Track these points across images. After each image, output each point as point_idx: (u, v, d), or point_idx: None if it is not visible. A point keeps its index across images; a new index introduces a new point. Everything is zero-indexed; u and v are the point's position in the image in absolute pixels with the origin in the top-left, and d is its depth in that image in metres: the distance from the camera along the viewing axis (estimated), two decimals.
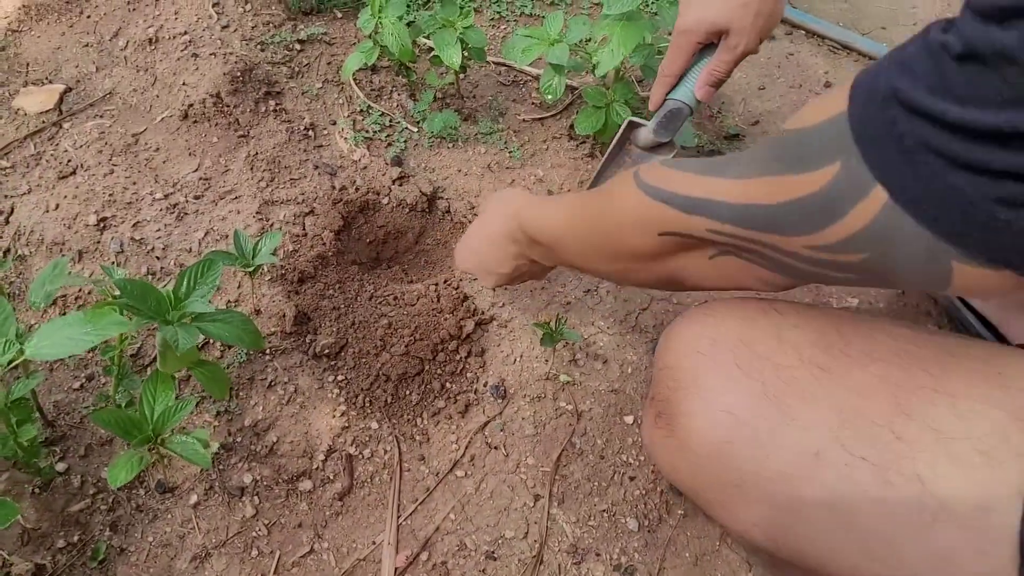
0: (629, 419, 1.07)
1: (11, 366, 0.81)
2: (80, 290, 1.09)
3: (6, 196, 1.19)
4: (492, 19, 1.51)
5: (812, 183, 0.53)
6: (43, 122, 1.27)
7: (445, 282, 1.15)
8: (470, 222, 1.24)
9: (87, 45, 1.37)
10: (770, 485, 0.65)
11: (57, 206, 1.17)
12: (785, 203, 0.56)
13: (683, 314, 0.78)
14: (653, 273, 0.72)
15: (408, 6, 1.46)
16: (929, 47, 0.48)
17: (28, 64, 1.35)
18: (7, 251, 1.14)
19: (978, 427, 0.57)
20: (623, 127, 1.10)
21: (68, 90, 1.31)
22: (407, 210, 1.24)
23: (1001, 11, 0.43)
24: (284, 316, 1.09)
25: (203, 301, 0.87)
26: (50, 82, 1.32)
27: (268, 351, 1.07)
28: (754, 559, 0.95)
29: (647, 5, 1.39)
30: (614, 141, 1.10)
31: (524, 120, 1.36)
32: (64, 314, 1.09)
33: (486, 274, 0.97)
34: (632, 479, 1.02)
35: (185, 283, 0.88)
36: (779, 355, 0.67)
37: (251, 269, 1.00)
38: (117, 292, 0.86)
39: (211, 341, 1.07)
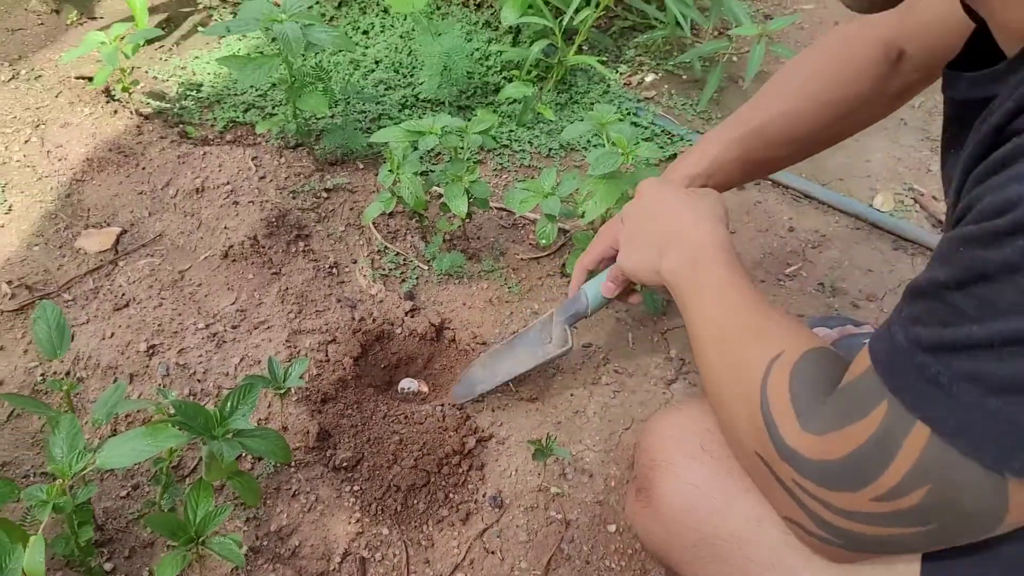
0: (612, 528, 1.20)
1: (80, 474, 0.96)
2: (131, 412, 1.24)
3: (71, 323, 1.36)
4: (495, 169, 1.72)
5: (867, 428, 0.60)
6: (101, 260, 1.46)
7: (450, 403, 1.30)
8: (473, 350, 1.41)
9: (141, 193, 1.57)
10: (725, 545, 0.78)
11: (112, 334, 1.34)
12: (849, 454, 0.61)
13: (661, 409, 0.92)
14: None
15: (420, 158, 1.66)
16: (924, 295, 0.56)
17: (89, 209, 1.55)
18: (68, 373, 1.30)
19: None
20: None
21: (124, 232, 1.51)
22: (418, 339, 1.40)
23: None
24: (308, 432, 1.23)
25: (244, 419, 1.02)
26: (108, 225, 1.51)
27: (293, 464, 1.21)
28: None
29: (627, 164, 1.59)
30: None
31: (522, 259, 1.54)
32: (114, 430, 1.24)
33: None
34: None
35: (229, 404, 1.03)
36: None
37: (282, 391, 1.16)
38: (172, 411, 1.01)
39: (244, 454, 1.21)
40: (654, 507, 0.84)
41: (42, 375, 1.31)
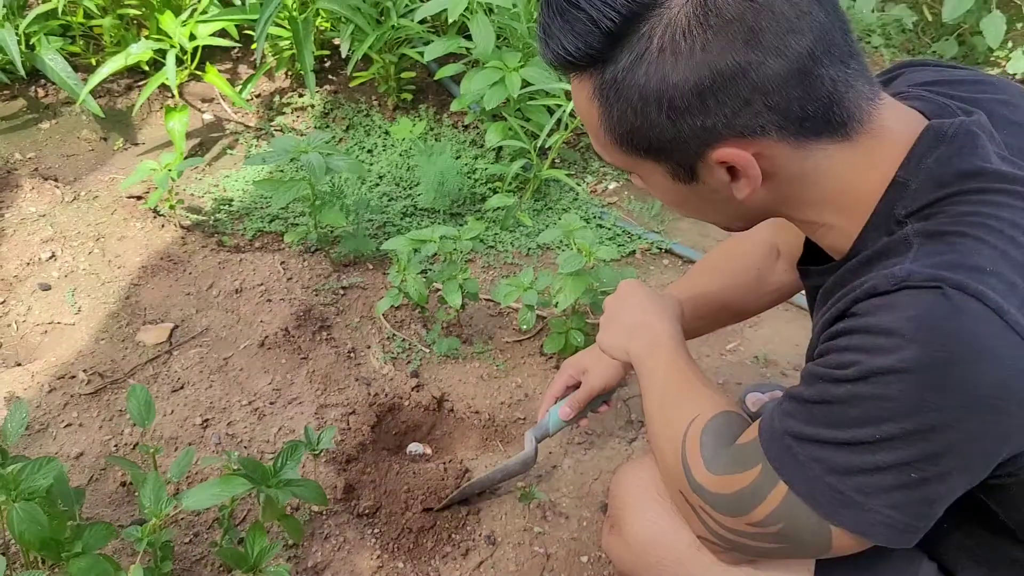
0: (584, 559, 1.48)
1: (168, 516, 1.25)
2: (192, 471, 1.53)
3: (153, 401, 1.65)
4: (483, 267, 2.04)
5: (749, 477, 0.87)
6: (158, 351, 1.76)
7: (450, 461, 1.59)
8: (468, 418, 1.70)
9: (189, 294, 1.88)
10: (674, 567, 1.06)
11: (172, 412, 1.63)
12: (736, 492, 0.89)
13: (626, 463, 1.21)
14: None
15: (421, 261, 1.99)
16: (795, 400, 0.84)
17: (146, 308, 1.86)
18: (135, 445, 1.59)
19: None
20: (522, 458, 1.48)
21: (176, 327, 1.81)
22: (422, 409, 1.70)
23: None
24: (336, 487, 1.52)
25: (293, 472, 1.31)
26: (162, 321, 1.82)
27: (324, 512, 1.50)
28: None
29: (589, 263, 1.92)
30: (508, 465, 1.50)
31: (507, 342, 1.86)
32: (178, 489, 1.52)
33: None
34: None
35: (280, 460, 1.32)
36: None
37: (316, 452, 1.45)
38: (236, 467, 1.30)
39: (287, 502, 1.50)
40: (624, 539, 1.13)
41: (115, 446, 1.60)
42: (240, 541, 1.38)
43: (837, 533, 0.84)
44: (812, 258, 0.98)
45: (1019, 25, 2.57)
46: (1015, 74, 2.56)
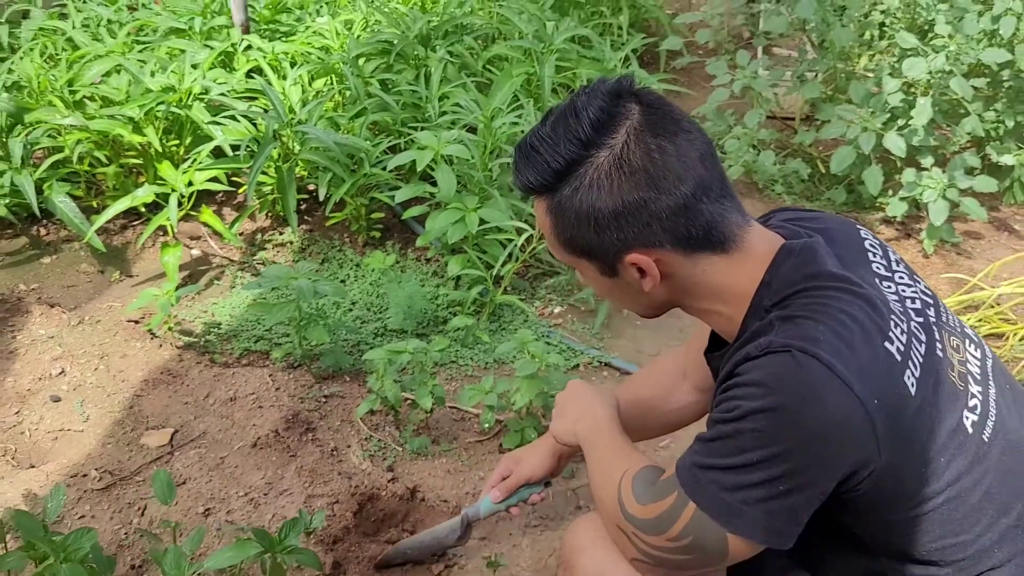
0: None
1: None
2: (200, 550, 1.73)
3: (141, 499, 1.86)
4: (447, 378, 2.33)
5: (668, 503, 1.12)
6: (161, 452, 1.98)
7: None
8: (437, 506, 1.94)
9: (187, 403, 2.12)
10: None
11: (176, 503, 1.84)
12: (657, 516, 1.14)
13: (579, 517, 1.46)
14: None
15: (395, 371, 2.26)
16: (701, 441, 1.12)
17: (148, 416, 2.09)
18: (142, 535, 1.79)
19: None
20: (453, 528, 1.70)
21: (176, 431, 2.04)
22: (398, 499, 1.94)
23: None
24: (325, 563, 1.74)
25: (294, 541, 1.54)
26: (164, 427, 2.05)
27: None
28: None
29: (542, 368, 2.22)
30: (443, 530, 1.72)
31: (470, 442, 2.12)
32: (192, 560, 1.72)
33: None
34: None
35: (283, 531, 1.55)
36: None
37: (309, 531, 1.68)
38: (249, 535, 1.53)
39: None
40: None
41: (125, 534, 1.80)
42: None
43: (732, 539, 1.11)
44: (714, 348, 1.30)
45: (896, 176, 3.04)
46: (895, 216, 3.02)
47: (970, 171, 2.92)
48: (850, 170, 3.03)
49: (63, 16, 3.28)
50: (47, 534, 1.48)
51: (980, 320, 2.58)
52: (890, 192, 3.04)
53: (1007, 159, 3.01)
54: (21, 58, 2.89)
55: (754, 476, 1.07)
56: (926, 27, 2.92)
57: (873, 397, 1.05)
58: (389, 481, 1.97)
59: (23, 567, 1.49)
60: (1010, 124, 2.96)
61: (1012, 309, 2.64)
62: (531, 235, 2.45)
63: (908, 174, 2.93)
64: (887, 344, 1.09)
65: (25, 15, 3.39)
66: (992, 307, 2.60)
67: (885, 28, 3.01)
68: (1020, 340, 2.51)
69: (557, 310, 2.64)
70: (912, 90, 2.89)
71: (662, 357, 1.65)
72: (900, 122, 2.90)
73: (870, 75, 3.05)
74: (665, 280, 1.16)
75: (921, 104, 2.75)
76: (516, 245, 2.44)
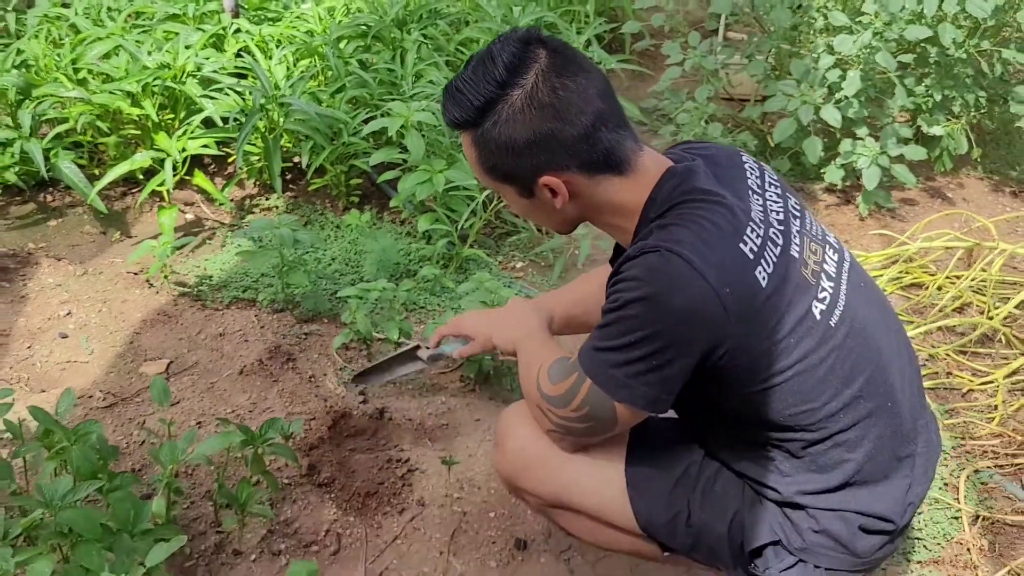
0: (492, 514, 1.96)
1: (183, 462, 1.71)
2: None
3: (141, 415, 2.11)
4: (416, 321, 2.58)
5: (570, 381, 1.37)
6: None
7: (390, 451, 2.07)
8: (403, 424, 2.19)
9: (181, 339, 2.38)
10: (539, 464, 1.54)
11: (171, 419, 2.09)
12: (563, 392, 1.42)
13: (509, 406, 1.71)
14: None
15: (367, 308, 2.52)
16: (596, 328, 1.40)
17: (146, 350, 2.34)
18: (143, 443, 2.04)
19: None
20: (410, 346, 2.07)
21: (171, 362, 2.30)
22: (368, 418, 2.19)
23: None
24: (302, 466, 1.99)
25: (274, 436, 1.79)
26: (160, 358, 2.31)
27: (292, 482, 1.95)
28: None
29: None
30: (399, 351, 2.09)
31: (434, 373, 2.38)
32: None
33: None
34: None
35: (263, 429, 1.80)
36: None
37: (288, 436, 1.92)
38: (234, 429, 1.77)
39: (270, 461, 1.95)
40: (504, 453, 1.62)
41: (126, 444, 2.05)
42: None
43: (619, 408, 1.37)
44: (616, 258, 1.56)
45: (837, 148, 3.30)
46: (835, 183, 3.28)
47: (903, 141, 3.19)
48: (793, 142, 3.29)
49: (66, 5, 3.53)
50: (58, 426, 1.73)
51: (903, 272, 2.84)
52: (831, 163, 3.30)
53: (936, 130, 3.27)
54: (28, 40, 3.14)
55: (633, 353, 1.32)
56: (860, 6, 3.18)
57: (725, 286, 1.29)
58: (361, 403, 2.22)
59: (39, 454, 1.74)
60: (938, 97, 3.22)
61: (932, 263, 2.90)
62: (492, 193, 2.71)
63: (845, 144, 3.19)
64: (741, 245, 1.33)
65: (30, 4, 3.64)
66: (912, 260, 2.86)
67: (825, 10, 3.27)
68: (938, 288, 2.76)
69: (519, 265, 2.89)
70: (846, 66, 3.15)
71: (587, 274, 1.90)
72: (837, 96, 3.16)
73: (812, 54, 3.31)
74: (573, 199, 1.40)
75: (851, 76, 3.01)
76: (478, 202, 2.70)
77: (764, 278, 1.32)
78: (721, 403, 1.43)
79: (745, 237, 1.34)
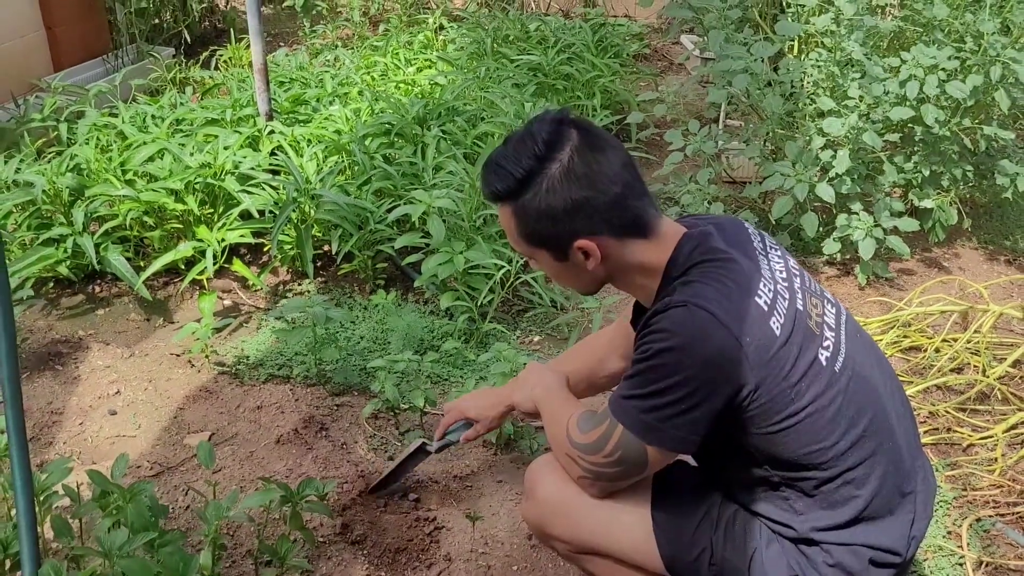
0: (515, 568, 2.08)
1: (226, 520, 1.86)
2: None
3: (185, 483, 2.27)
4: (440, 392, 2.74)
5: (602, 429, 1.50)
6: None
7: (420, 511, 2.21)
8: (430, 486, 2.33)
9: (221, 412, 2.55)
10: (568, 511, 1.67)
11: (215, 484, 2.25)
12: (595, 439, 1.54)
13: (537, 458, 1.84)
14: None
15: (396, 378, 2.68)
16: (625, 378, 1.55)
17: (189, 424, 2.51)
18: (187, 507, 2.19)
19: None
20: (416, 445, 2.19)
21: (213, 434, 2.46)
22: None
23: None
24: (335, 525, 2.13)
25: (314, 494, 1.94)
26: (202, 431, 2.47)
27: (326, 540, 2.09)
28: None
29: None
30: (407, 452, 2.21)
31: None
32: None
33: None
34: None
35: (300, 487, 1.95)
36: None
37: (322, 496, 2.07)
38: (274, 487, 1.93)
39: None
40: (535, 501, 1.75)
41: (172, 508, 2.20)
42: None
43: (650, 451, 1.51)
44: (636, 319, 1.73)
45: (834, 222, 3.49)
46: (833, 256, 3.45)
47: (897, 214, 3.37)
48: (792, 218, 3.48)
49: (113, 115, 3.85)
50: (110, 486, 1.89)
51: (902, 335, 2.99)
52: (828, 237, 3.48)
53: (927, 203, 3.46)
54: (80, 146, 3.42)
55: (664, 399, 1.47)
56: (847, 91, 3.41)
57: (746, 336, 1.45)
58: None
59: (95, 514, 1.89)
60: (926, 173, 3.42)
61: (929, 326, 3.04)
62: (509, 270, 2.90)
63: (841, 218, 3.38)
64: (756, 299, 1.49)
65: (80, 114, 3.96)
66: (909, 324, 3.00)
67: (815, 96, 3.51)
68: (935, 350, 2.90)
69: (536, 338, 3.07)
70: (837, 146, 3.36)
71: (593, 335, 2.06)
72: (830, 174, 3.36)
73: (804, 136, 3.53)
74: (604, 260, 1.57)
75: (841, 156, 3.22)
76: (495, 279, 2.89)
77: (778, 328, 1.48)
78: (741, 445, 1.55)
79: (759, 292, 1.50)
